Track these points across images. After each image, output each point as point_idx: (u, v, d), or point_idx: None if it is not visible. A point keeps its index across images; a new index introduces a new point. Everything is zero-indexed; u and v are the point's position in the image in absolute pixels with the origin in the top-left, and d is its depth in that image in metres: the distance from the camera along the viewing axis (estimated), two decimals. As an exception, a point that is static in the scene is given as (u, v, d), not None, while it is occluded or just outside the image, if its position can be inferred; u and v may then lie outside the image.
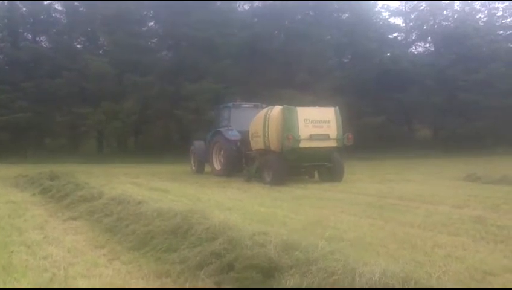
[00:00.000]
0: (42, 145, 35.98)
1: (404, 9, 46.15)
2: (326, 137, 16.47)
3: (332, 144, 16.60)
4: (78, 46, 39.49)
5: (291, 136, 15.89)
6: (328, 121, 16.63)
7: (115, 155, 33.61)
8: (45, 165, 22.27)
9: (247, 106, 21.18)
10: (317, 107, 17.38)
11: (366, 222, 8.73)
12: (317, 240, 5.78)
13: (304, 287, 4.47)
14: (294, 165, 16.75)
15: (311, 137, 16.16)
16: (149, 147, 36.47)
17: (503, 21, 44.21)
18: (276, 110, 16.92)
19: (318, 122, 16.48)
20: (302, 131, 16.10)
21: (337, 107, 16.98)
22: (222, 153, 19.97)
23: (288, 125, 16.20)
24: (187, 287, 5.28)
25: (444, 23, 44.73)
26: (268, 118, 16.88)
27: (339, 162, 17.22)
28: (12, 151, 30.65)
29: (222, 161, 20.03)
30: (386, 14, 45.80)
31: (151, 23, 41.08)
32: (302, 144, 16.00)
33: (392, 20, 46.28)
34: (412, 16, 46.10)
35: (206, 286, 5.20)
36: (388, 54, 40.50)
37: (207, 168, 21.48)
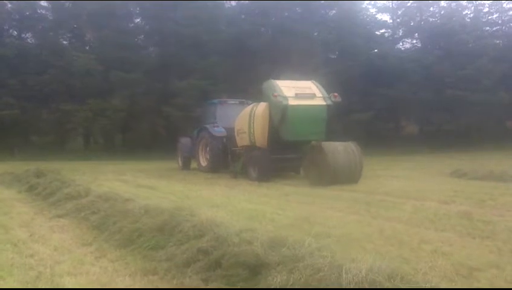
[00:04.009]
0: (29, 143, 35.75)
1: (391, 6, 46.38)
2: (312, 96, 16.28)
3: (321, 101, 16.26)
4: (64, 42, 39.24)
5: (276, 94, 15.72)
6: (309, 88, 16.67)
7: (102, 152, 33.56)
8: (32, 162, 22.12)
9: (233, 102, 21.24)
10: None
11: (353, 218, 8.75)
12: (304, 237, 5.78)
13: (290, 283, 4.48)
14: (286, 138, 16.11)
15: (297, 95, 15.94)
16: (136, 144, 36.32)
17: (490, 17, 44.48)
18: (262, 106, 16.91)
19: (299, 87, 16.49)
20: (286, 91, 15.97)
21: (313, 80, 17.12)
22: (208, 149, 20.03)
23: (270, 91, 16.13)
24: (174, 284, 5.27)
25: (431, 20, 44.87)
26: (254, 115, 16.91)
27: None
28: (-1, 149, 30.41)
29: (208, 157, 20.10)
30: (373, 10, 46.19)
31: (138, 20, 40.95)
32: (291, 102, 15.68)
33: (379, 16, 46.45)
34: (399, 12, 46.32)
35: (193, 283, 5.19)
36: (375, 50, 40.56)
37: (193, 165, 21.48)
